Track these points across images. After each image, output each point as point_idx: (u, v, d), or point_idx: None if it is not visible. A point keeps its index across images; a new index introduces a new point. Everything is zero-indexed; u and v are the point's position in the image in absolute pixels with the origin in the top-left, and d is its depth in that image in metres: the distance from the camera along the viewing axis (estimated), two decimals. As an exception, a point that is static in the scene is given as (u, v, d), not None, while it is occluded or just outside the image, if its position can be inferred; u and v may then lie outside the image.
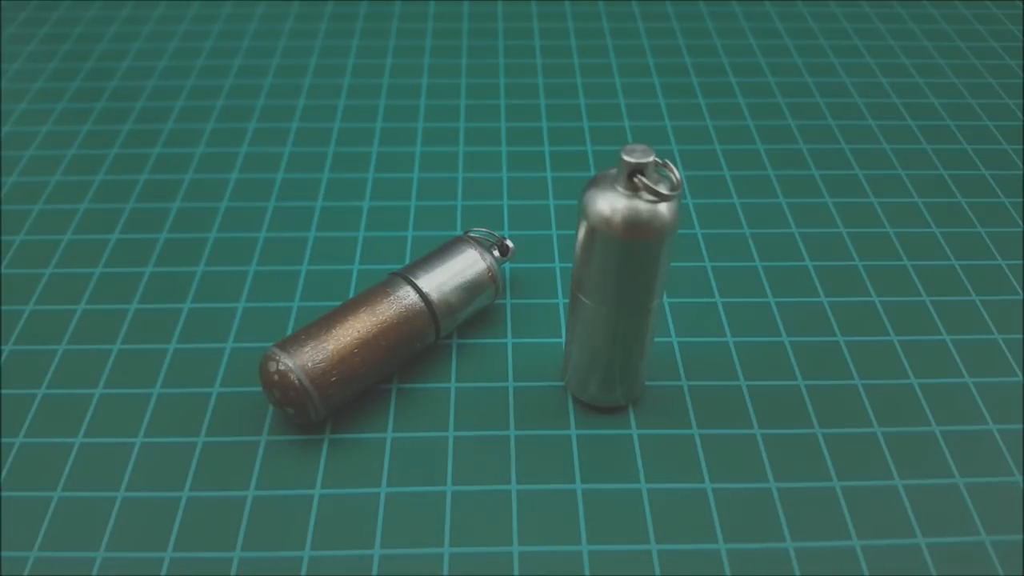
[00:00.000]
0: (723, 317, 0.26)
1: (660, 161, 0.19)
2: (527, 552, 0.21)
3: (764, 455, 0.23)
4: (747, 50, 0.39)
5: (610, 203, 0.19)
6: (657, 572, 0.20)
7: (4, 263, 0.28)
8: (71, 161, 0.33)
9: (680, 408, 0.24)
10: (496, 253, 0.26)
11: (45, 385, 0.24)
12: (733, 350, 0.25)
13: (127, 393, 0.24)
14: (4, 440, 0.23)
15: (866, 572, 0.20)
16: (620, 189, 0.19)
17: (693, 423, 0.23)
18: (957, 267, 0.28)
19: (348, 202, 0.31)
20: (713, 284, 0.28)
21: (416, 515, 0.21)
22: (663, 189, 0.19)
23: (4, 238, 0.29)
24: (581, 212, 0.20)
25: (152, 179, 0.32)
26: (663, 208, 0.19)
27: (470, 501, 0.22)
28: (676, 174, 0.19)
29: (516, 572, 0.20)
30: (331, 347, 0.22)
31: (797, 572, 0.20)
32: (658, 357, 0.25)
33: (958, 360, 0.25)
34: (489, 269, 0.25)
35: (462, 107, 0.36)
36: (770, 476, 0.22)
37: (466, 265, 0.25)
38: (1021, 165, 0.33)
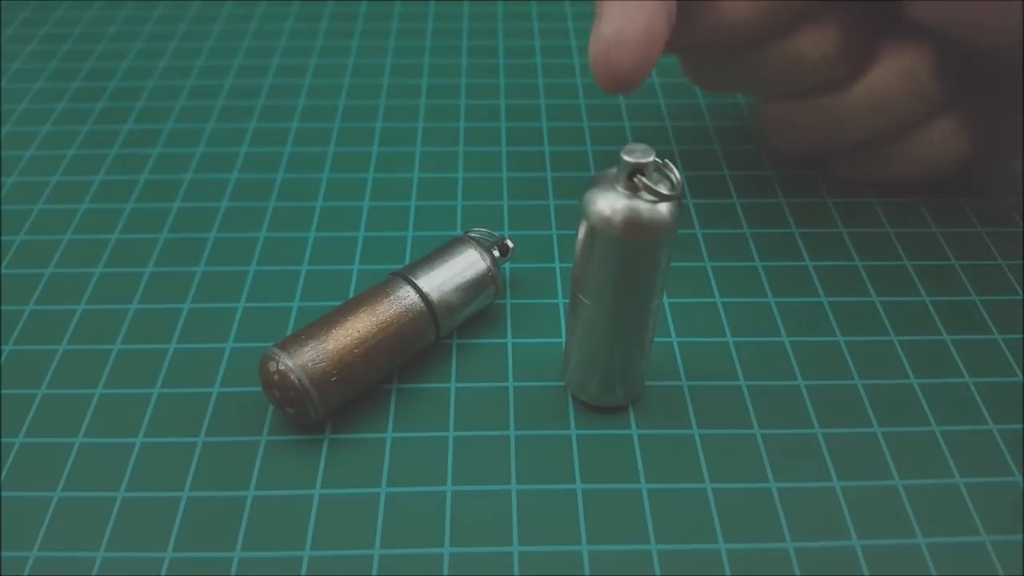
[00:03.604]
0: (723, 317, 0.26)
1: (660, 161, 0.19)
2: (527, 552, 0.21)
3: (764, 455, 0.23)
4: (747, 50, 0.39)
5: (610, 203, 0.19)
6: (657, 572, 0.20)
7: (4, 263, 0.28)
8: (71, 161, 0.33)
9: (680, 408, 0.24)
10: (496, 253, 0.26)
11: (45, 385, 0.24)
12: (733, 350, 0.25)
13: (127, 393, 0.24)
14: (4, 440, 0.23)
15: (866, 572, 0.20)
16: (620, 189, 0.19)
17: (693, 423, 0.23)
18: (957, 267, 0.28)
19: (348, 202, 0.31)
20: (713, 284, 0.28)
21: (416, 515, 0.21)
22: (663, 189, 0.19)
23: (4, 238, 0.29)
24: (581, 212, 0.20)
25: (152, 179, 0.32)
26: (663, 208, 0.19)
27: (470, 501, 0.22)
28: (676, 174, 0.19)
29: (516, 572, 0.20)
30: (331, 347, 0.22)
31: (797, 572, 0.20)
32: (658, 357, 0.25)
33: (958, 360, 0.25)
34: (489, 269, 0.25)
35: (462, 107, 0.36)
36: (770, 476, 0.22)
37: (466, 265, 0.25)
38: (1021, 164, 0.33)
